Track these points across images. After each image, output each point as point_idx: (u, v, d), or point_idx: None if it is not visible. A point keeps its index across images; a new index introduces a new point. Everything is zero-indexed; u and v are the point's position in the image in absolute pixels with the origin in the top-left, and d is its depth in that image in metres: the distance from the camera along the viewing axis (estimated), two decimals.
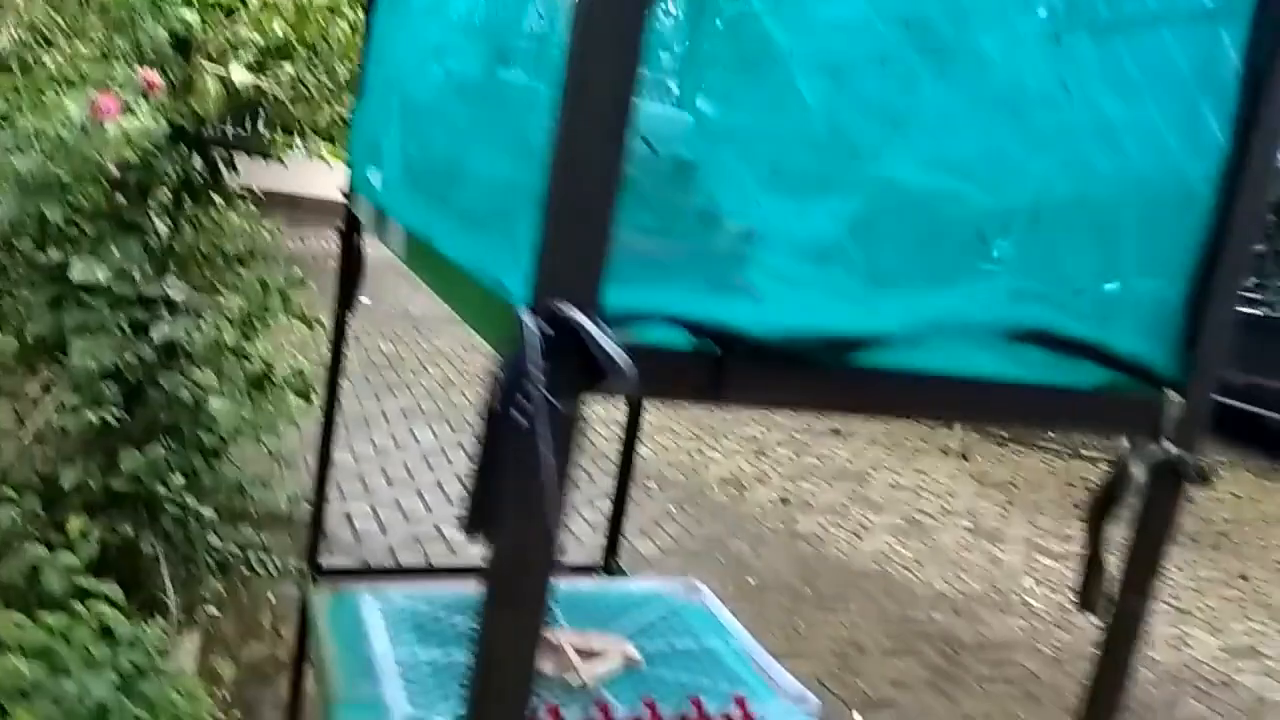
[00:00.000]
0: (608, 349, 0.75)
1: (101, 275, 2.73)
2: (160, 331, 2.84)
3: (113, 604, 2.76)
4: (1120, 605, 1.08)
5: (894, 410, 0.90)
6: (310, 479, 3.65)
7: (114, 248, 2.77)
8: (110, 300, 2.78)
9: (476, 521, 0.76)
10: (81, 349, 2.70)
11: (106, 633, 2.23)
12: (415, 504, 4.89)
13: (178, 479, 3.04)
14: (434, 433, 5.90)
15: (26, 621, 1.97)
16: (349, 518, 4.64)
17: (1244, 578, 5.79)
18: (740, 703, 1.47)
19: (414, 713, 1.37)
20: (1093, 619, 1.11)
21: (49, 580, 2.49)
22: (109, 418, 2.78)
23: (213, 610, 3.28)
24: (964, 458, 7.19)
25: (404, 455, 5.50)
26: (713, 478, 6.02)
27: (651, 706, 1.41)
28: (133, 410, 2.99)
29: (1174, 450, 1.01)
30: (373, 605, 1.65)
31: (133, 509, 3.01)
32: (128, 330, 2.81)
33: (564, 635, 1.67)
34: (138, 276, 2.83)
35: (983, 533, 5.67)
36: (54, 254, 2.82)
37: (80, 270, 2.72)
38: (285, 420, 3.55)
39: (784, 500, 5.78)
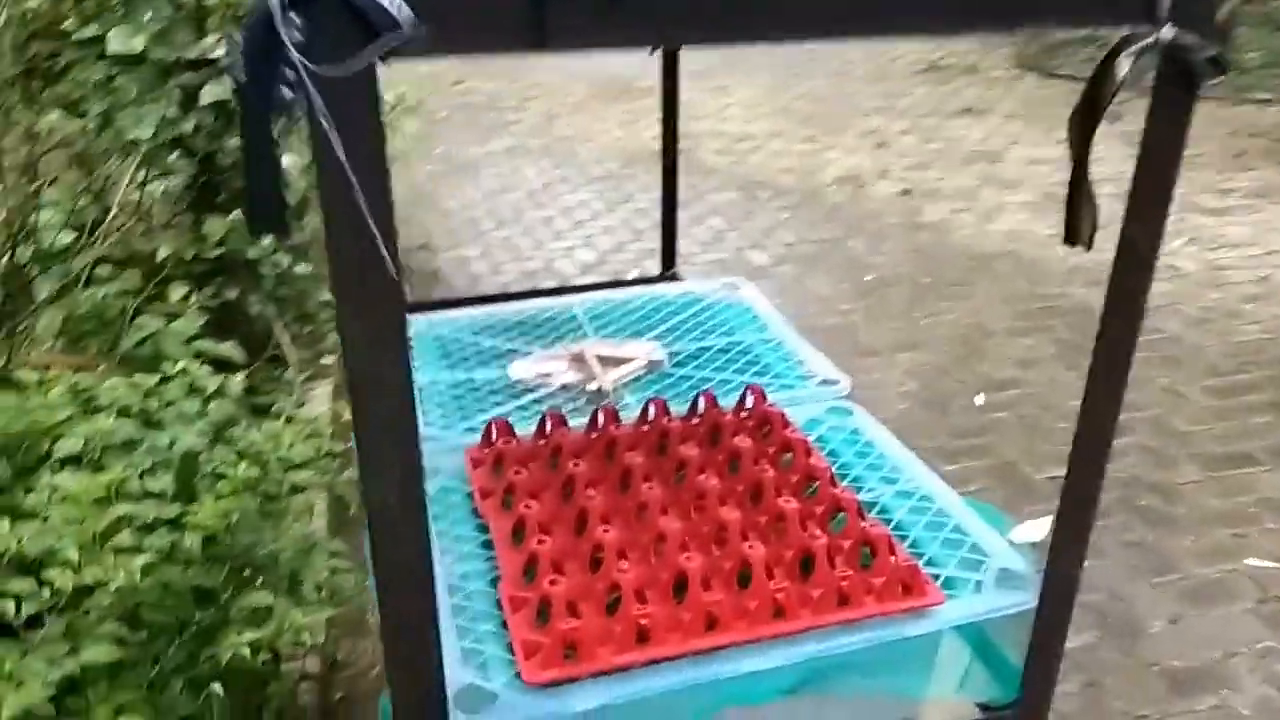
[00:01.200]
0: None
1: (138, 43, 2.70)
2: (212, 93, 2.83)
3: (228, 364, 2.94)
4: (1125, 238, 0.93)
5: (795, 31, 0.74)
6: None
7: (143, 13, 2.72)
8: (154, 69, 2.77)
9: (261, 221, 0.69)
10: (135, 120, 2.72)
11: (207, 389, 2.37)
12: (525, 242, 4.92)
13: (266, 240, 3.13)
14: (538, 170, 5.84)
15: (122, 383, 2.11)
16: (463, 262, 4.73)
17: None
18: (756, 392, 1.41)
19: (428, 432, 1.38)
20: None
21: (169, 348, 2.64)
22: (180, 186, 2.87)
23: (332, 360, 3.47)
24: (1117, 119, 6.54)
25: (510, 196, 5.49)
26: (829, 178, 5.75)
27: (661, 405, 1.37)
28: (208, 177, 3.06)
29: (1178, 35, 0.81)
30: None
31: (234, 274, 3.14)
32: (179, 97, 2.82)
33: (590, 345, 1.64)
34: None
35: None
36: (93, 29, 2.79)
37: (117, 40, 2.70)
38: None
39: (906, 191, 5.49)
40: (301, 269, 3.21)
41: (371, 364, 0.77)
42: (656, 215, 5.57)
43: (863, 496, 1.28)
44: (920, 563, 1.16)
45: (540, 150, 6.19)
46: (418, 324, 1.69)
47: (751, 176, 5.82)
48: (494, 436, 1.31)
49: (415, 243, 4.83)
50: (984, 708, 1.19)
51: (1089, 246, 0.96)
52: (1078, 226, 0.94)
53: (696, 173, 5.86)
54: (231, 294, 3.08)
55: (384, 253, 0.71)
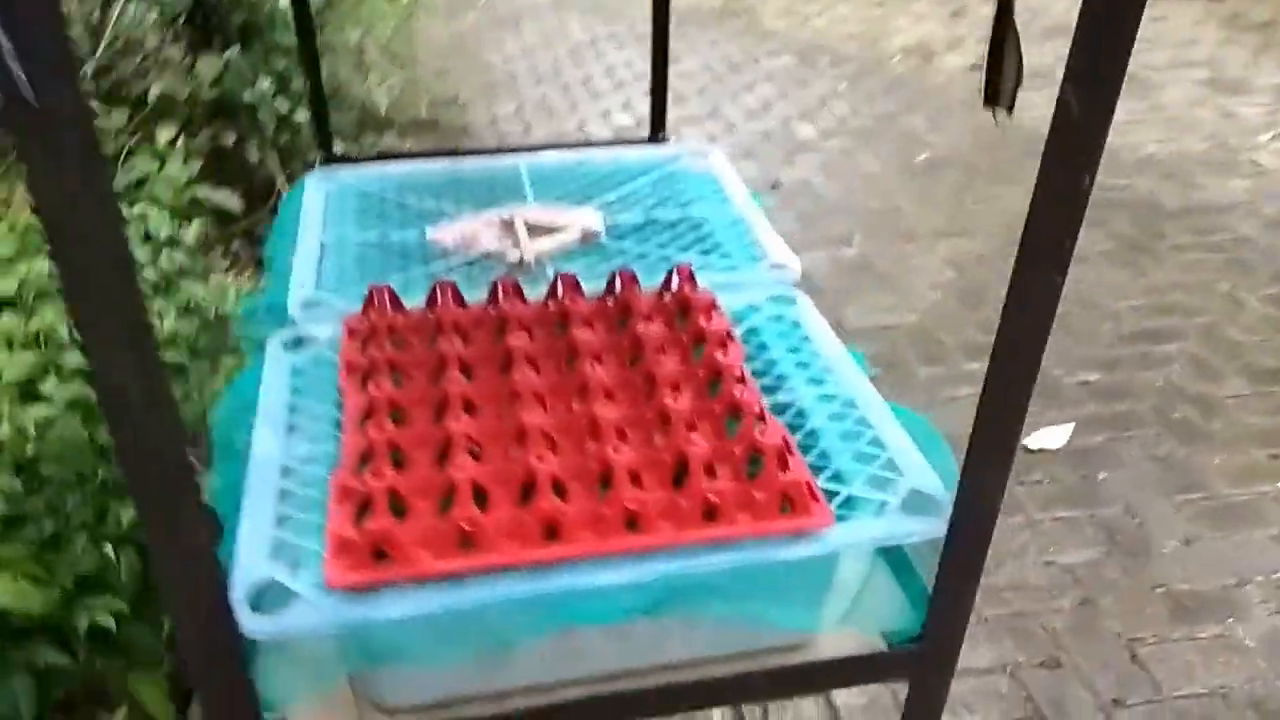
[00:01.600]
0: None
1: None
2: None
3: (227, 214, 2.83)
4: (1059, 114, 0.73)
5: None
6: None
7: None
8: None
9: None
10: None
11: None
12: (560, 101, 4.70)
13: (265, 83, 2.99)
14: (584, 25, 5.54)
15: None
16: (494, 120, 4.55)
17: None
18: (684, 273, 1.25)
19: (313, 295, 1.26)
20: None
21: (161, 193, 2.55)
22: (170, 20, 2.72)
23: None
24: None
25: (552, 52, 5.23)
26: (895, 47, 5.35)
27: (571, 281, 1.23)
28: (203, 15, 2.90)
29: None
30: (318, 187, 1.52)
31: (230, 117, 3.02)
32: None
33: (523, 211, 1.48)
34: None
35: (1221, 85, 4.77)
36: None
37: None
38: (370, 11, 3.36)
39: (975, 66, 5.07)
40: (302, 115, 3.07)
41: (71, 212, 0.63)
42: (703, 80, 5.29)
43: (781, 398, 1.13)
44: (824, 477, 1.02)
45: (589, 4, 5.88)
46: (343, 178, 1.55)
47: (812, 41, 5.46)
48: (375, 305, 1.18)
49: (447, 96, 4.65)
50: (890, 639, 1.06)
51: (1011, 109, 0.77)
52: (999, 84, 0.75)
53: (753, 35, 5.51)
54: (228, 139, 2.97)
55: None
